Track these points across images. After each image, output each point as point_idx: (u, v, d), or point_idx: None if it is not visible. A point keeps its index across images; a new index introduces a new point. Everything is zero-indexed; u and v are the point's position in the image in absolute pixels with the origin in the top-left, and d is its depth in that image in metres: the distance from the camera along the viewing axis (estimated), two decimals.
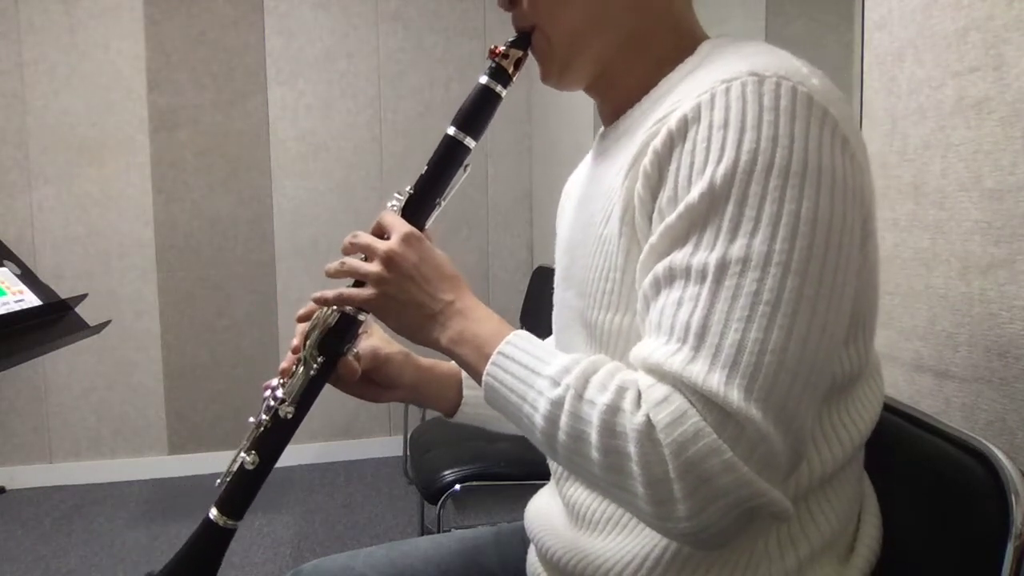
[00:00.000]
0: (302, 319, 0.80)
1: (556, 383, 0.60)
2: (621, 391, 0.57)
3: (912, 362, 0.97)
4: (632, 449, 0.54)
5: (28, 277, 1.63)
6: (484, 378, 0.66)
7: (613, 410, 0.56)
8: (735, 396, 0.52)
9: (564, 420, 0.59)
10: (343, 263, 0.74)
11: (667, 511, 0.54)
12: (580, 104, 2.51)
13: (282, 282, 3.12)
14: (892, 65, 1.01)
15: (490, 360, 0.66)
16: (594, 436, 0.57)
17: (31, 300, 1.58)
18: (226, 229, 3.06)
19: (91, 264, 2.96)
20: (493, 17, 3.20)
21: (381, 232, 0.74)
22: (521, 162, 3.30)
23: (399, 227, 0.73)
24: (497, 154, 3.27)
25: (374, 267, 0.71)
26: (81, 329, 1.64)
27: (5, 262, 1.63)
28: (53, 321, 1.62)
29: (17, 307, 1.54)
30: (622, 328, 0.67)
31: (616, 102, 0.75)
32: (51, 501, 2.84)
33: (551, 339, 0.96)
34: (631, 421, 0.55)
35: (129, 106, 2.95)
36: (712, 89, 0.58)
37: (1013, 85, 0.80)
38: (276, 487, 2.77)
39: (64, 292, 1.70)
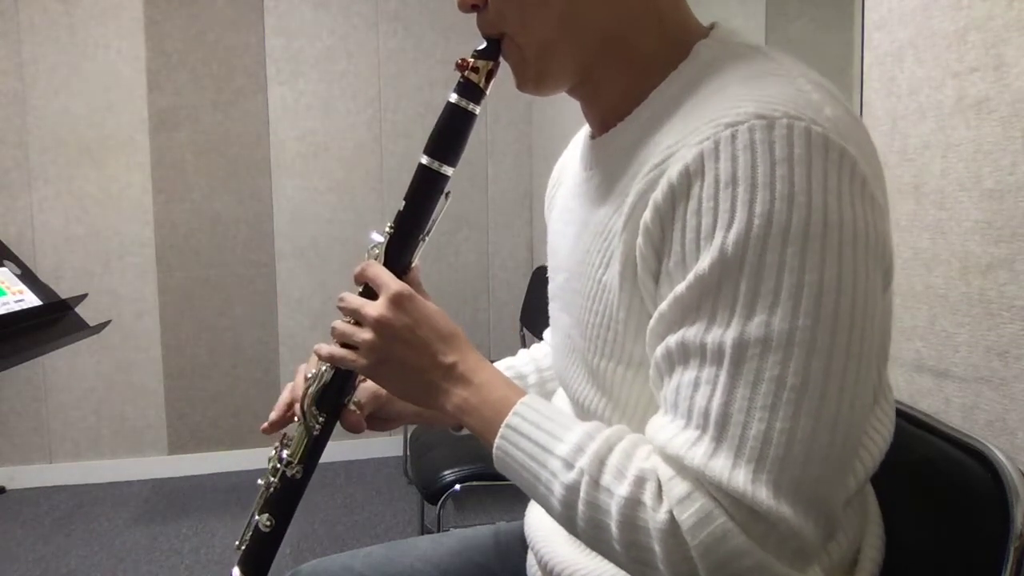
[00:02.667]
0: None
1: (570, 465, 0.57)
2: (640, 481, 0.54)
3: (912, 362, 0.97)
4: (656, 547, 0.52)
5: (28, 277, 1.64)
6: (494, 451, 0.63)
7: (633, 503, 0.53)
8: (763, 495, 0.49)
9: (582, 508, 0.56)
10: (334, 328, 0.70)
11: None
12: None
13: (282, 282, 3.12)
14: (892, 65, 1.01)
15: (498, 434, 0.62)
16: (614, 529, 0.54)
17: (31, 300, 1.58)
18: (226, 229, 3.06)
19: (91, 264, 2.96)
20: None
21: (366, 282, 0.71)
22: (521, 162, 3.30)
23: (387, 285, 0.68)
24: (497, 154, 3.27)
25: (365, 334, 0.67)
26: (81, 329, 1.65)
27: (5, 262, 1.64)
28: (53, 321, 1.62)
29: (17, 307, 1.54)
30: (625, 378, 0.65)
31: (604, 109, 0.70)
32: (51, 501, 2.84)
33: (547, 343, 0.95)
34: (653, 518, 0.52)
35: (129, 106, 2.95)
36: (715, 136, 0.52)
37: (1013, 85, 0.80)
38: None
39: (64, 292, 1.70)
